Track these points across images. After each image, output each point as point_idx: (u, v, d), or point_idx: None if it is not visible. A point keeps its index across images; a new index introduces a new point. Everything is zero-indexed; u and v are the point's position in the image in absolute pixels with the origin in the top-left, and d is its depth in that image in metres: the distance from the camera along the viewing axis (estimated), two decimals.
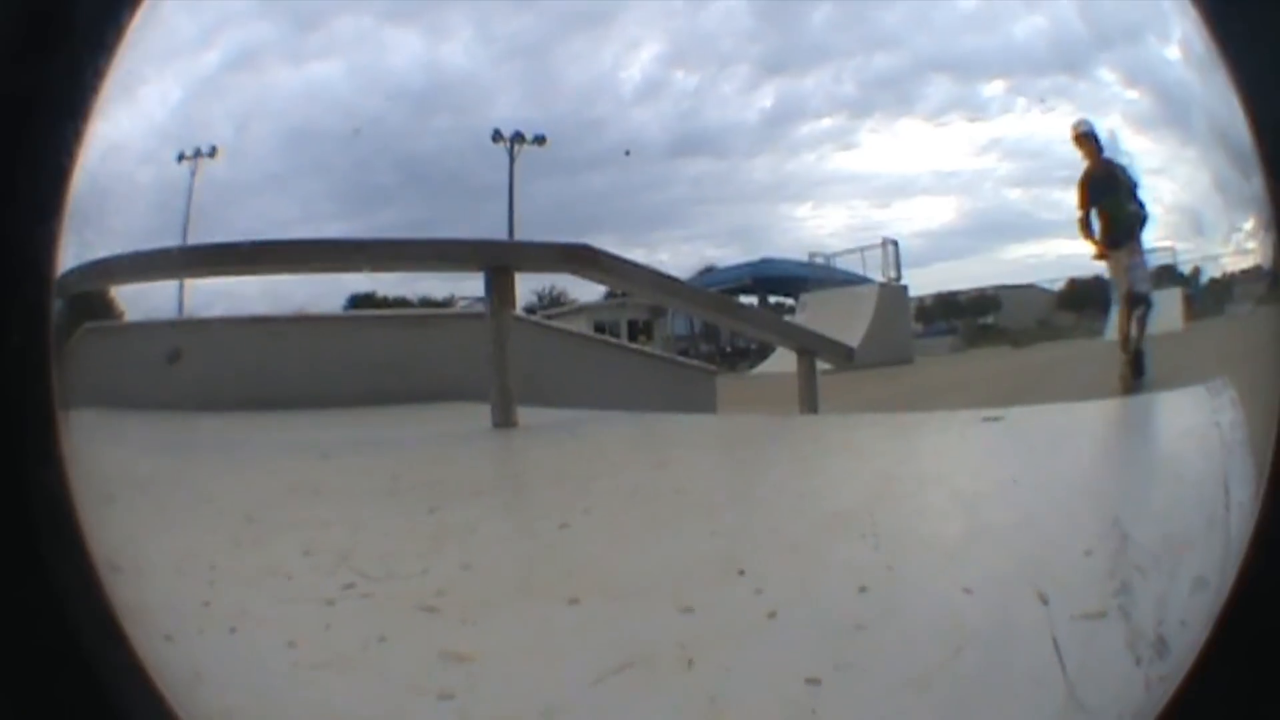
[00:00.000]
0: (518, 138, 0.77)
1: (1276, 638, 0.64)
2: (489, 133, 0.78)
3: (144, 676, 0.66)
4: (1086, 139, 3.33)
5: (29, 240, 0.67)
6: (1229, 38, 0.66)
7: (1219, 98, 0.68)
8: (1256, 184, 0.67)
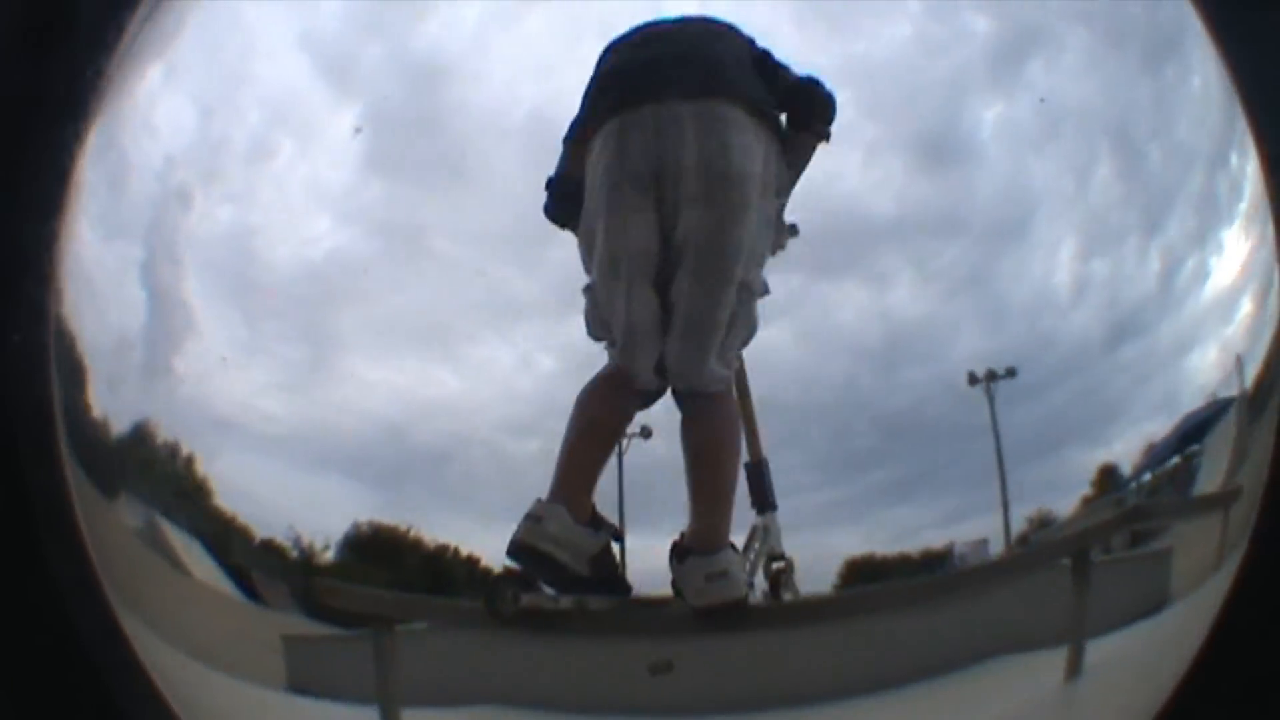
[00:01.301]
0: (989, 375, 0.71)
1: (1276, 637, 0.64)
2: (962, 375, 0.70)
3: None
4: None
5: (29, 240, 0.67)
6: (1229, 38, 0.66)
7: None
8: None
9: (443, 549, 0.60)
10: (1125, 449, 0.65)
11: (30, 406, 0.67)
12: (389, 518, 0.60)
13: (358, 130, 0.61)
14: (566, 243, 0.61)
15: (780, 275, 0.63)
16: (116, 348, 0.65)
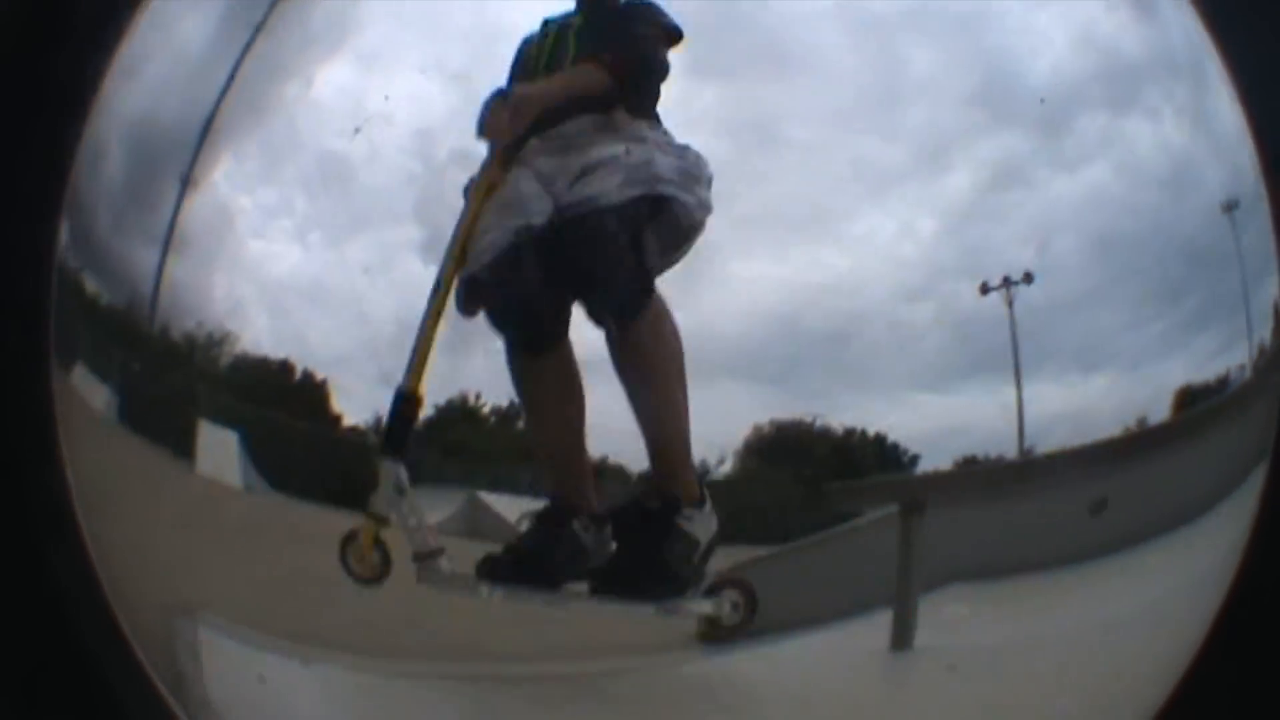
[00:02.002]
0: (1232, 204, 0.72)
1: (1276, 637, 0.64)
2: (1218, 204, 0.72)
3: None
4: None
5: (29, 240, 0.67)
6: (1229, 38, 0.66)
7: None
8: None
9: (850, 433, 0.60)
10: None
11: (30, 406, 0.67)
12: (792, 412, 0.60)
13: (356, 131, 0.61)
14: (922, 103, 0.64)
15: (1090, 115, 0.67)
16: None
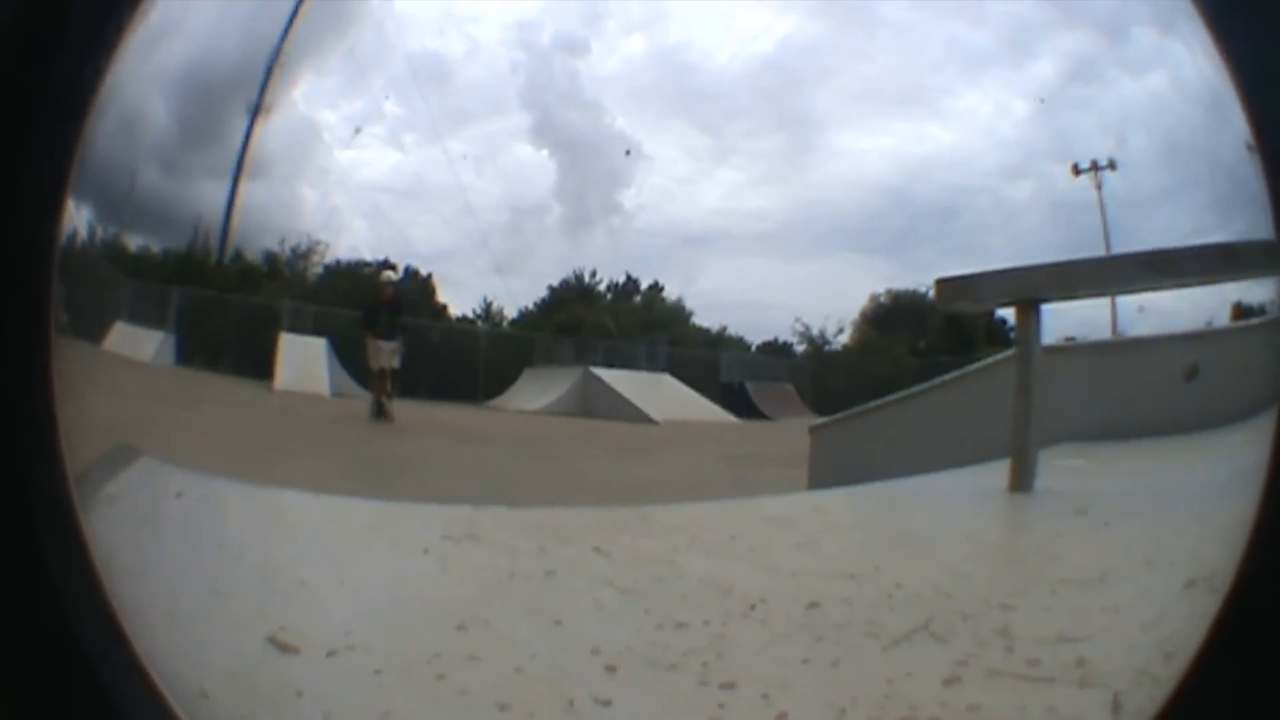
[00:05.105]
0: None
1: (1276, 638, 0.64)
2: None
3: None
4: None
5: (29, 240, 0.67)
6: (1229, 38, 0.66)
7: None
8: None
9: None
10: None
11: (30, 406, 0.67)
12: (907, 283, 0.62)
13: (357, 130, 0.62)
14: None
15: (1143, 28, 0.71)
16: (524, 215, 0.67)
